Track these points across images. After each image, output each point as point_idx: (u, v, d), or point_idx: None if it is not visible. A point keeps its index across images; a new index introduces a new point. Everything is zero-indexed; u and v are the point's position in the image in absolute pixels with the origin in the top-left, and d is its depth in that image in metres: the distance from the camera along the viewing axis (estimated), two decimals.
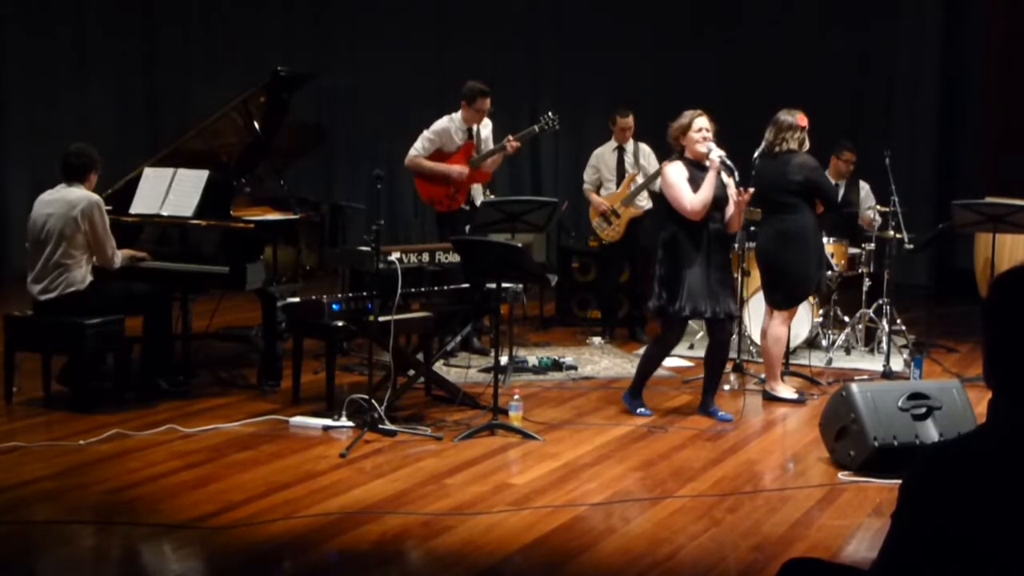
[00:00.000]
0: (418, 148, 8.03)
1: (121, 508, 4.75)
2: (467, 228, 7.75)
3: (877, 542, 2.23)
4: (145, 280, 6.73)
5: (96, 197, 6.40)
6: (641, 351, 8.21)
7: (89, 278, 6.41)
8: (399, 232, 12.31)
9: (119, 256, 6.51)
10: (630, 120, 8.63)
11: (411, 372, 6.54)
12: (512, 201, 8.11)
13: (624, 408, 6.52)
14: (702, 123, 6.28)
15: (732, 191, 6.28)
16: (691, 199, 6.15)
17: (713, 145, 6.23)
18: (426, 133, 8.05)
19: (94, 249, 6.40)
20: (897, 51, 11.59)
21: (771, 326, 6.83)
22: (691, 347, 8.31)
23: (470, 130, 8.07)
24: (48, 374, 6.53)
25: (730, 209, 6.29)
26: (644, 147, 8.67)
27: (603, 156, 8.75)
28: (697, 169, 6.25)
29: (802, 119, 6.70)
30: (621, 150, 8.70)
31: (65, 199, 6.37)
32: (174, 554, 4.36)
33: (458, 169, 7.97)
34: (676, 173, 6.24)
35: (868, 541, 4.49)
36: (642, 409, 6.45)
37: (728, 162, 6.21)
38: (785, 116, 6.72)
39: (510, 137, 7.95)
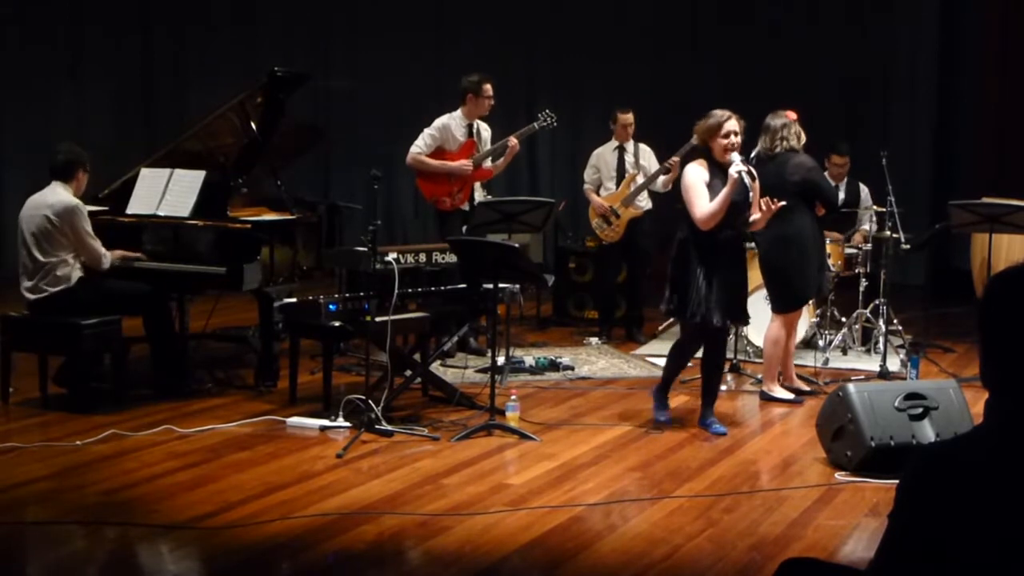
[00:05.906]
0: (420, 146, 7.99)
1: (118, 509, 4.75)
2: (464, 228, 7.75)
3: (874, 542, 2.23)
4: (142, 280, 6.71)
5: (74, 202, 6.36)
6: (638, 351, 8.26)
7: (76, 275, 6.39)
8: (396, 232, 12.31)
9: (108, 257, 6.49)
10: (630, 116, 8.56)
11: (408, 372, 6.54)
12: (509, 201, 8.10)
13: (622, 409, 6.53)
14: (731, 127, 5.88)
15: (756, 195, 5.96)
16: (702, 210, 5.81)
17: (737, 158, 5.84)
18: (428, 130, 8.01)
19: (80, 251, 6.39)
20: (894, 51, 11.59)
21: (770, 328, 6.84)
22: None
23: (470, 127, 8.06)
24: (45, 374, 6.51)
25: (754, 213, 5.98)
26: (644, 147, 8.63)
27: (603, 156, 8.69)
28: (720, 171, 5.88)
29: (790, 114, 6.70)
30: (622, 150, 8.65)
31: (45, 201, 6.36)
32: (171, 555, 4.35)
33: (462, 163, 7.96)
34: (694, 175, 5.90)
35: (865, 541, 4.50)
36: (662, 418, 6.29)
37: (751, 174, 5.84)
38: (772, 120, 6.70)
39: (512, 136, 7.95)
